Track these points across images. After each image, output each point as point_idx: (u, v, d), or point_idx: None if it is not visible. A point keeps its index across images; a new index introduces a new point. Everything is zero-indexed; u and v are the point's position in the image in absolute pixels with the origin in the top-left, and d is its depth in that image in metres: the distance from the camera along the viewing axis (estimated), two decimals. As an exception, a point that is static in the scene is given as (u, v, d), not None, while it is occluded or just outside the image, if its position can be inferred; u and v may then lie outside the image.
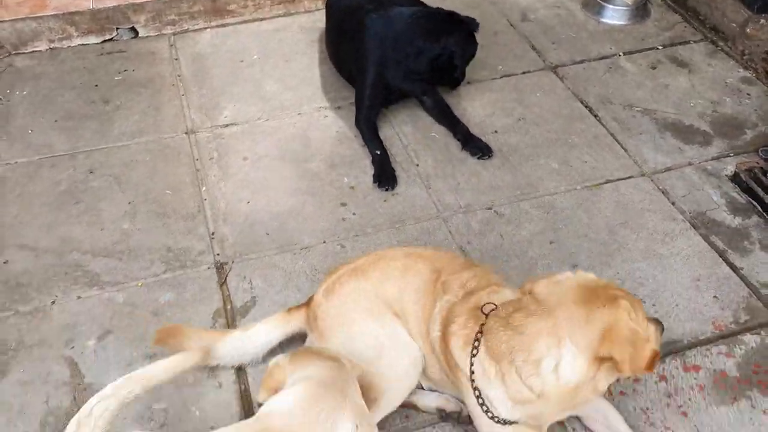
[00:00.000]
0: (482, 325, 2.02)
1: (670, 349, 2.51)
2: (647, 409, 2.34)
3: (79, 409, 2.28)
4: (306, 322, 2.38)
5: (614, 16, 4.26)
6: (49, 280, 2.79)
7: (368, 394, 2.16)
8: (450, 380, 2.20)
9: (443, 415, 2.30)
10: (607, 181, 3.20)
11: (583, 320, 1.84)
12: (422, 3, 3.64)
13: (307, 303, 2.41)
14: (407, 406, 2.32)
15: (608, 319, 1.84)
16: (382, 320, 2.24)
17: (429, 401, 2.32)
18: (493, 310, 2.02)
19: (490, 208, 3.07)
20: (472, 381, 2.02)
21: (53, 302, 2.71)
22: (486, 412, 2.01)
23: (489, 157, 3.28)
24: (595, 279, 2.00)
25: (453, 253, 2.51)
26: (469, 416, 2.21)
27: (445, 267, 2.27)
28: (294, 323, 2.41)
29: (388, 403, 2.19)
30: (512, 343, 1.91)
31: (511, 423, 2.01)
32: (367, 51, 3.34)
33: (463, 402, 2.21)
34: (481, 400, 2.02)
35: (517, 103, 3.64)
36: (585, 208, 3.06)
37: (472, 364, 2.01)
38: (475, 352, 2.00)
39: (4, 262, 2.85)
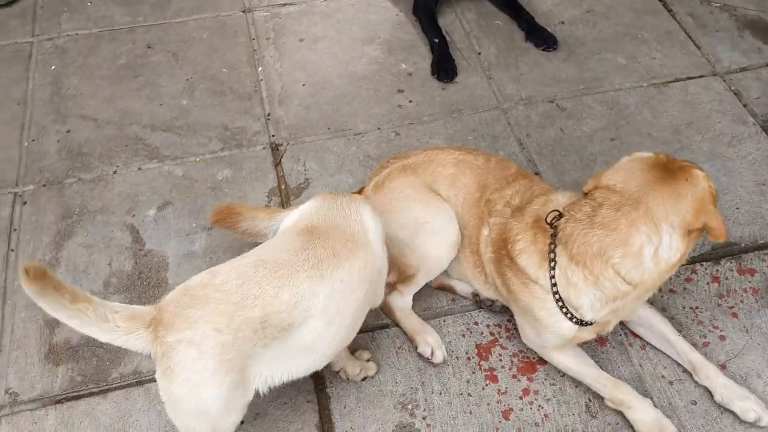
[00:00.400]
0: (552, 236, 1.98)
1: (726, 252, 2.46)
2: (696, 308, 2.32)
3: (140, 273, 2.41)
4: None
5: None
6: (110, 151, 2.85)
7: (405, 271, 2.24)
8: (502, 294, 2.19)
9: (477, 301, 2.35)
10: (676, 80, 3.06)
11: (673, 199, 1.81)
12: None
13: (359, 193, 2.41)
14: (447, 290, 2.38)
15: (694, 190, 1.82)
16: (427, 201, 2.25)
17: (465, 287, 2.37)
18: (556, 218, 1.99)
19: (551, 101, 2.98)
20: (555, 293, 1.99)
21: (114, 172, 2.78)
22: (570, 318, 2.00)
23: (554, 48, 3.15)
24: (653, 155, 1.94)
25: (504, 161, 2.37)
26: (502, 306, 2.27)
27: (490, 182, 2.23)
28: None
29: (423, 277, 2.27)
30: (606, 241, 1.85)
31: (591, 323, 2.02)
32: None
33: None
34: (564, 309, 1.99)
35: (588, -7, 3.46)
36: (650, 106, 2.94)
37: (552, 277, 1.99)
38: (552, 264, 1.98)
39: (67, 131, 2.92)
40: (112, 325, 1.60)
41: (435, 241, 2.23)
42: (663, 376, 2.16)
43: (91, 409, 2.14)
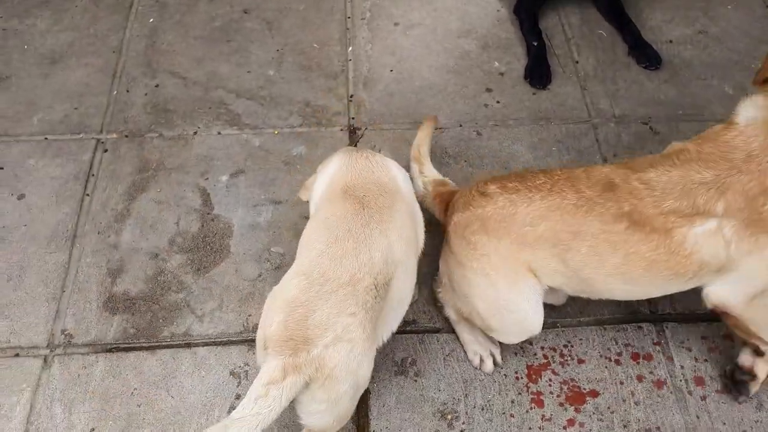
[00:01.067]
0: None
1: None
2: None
3: (204, 236, 2.43)
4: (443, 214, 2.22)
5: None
6: (194, 111, 2.89)
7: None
8: None
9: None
10: (786, 118, 2.85)
11: None
12: None
13: (451, 198, 2.17)
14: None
15: None
16: (513, 282, 1.94)
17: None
18: None
19: (645, 123, 2.83)
20: None
21: (195, 133, 2.82)
22: None
23: (656, 67, 2.99)
24: None
25: (588, 172, 1.94)
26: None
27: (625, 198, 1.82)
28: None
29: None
30: None
31: None
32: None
33: None
34: None
35: (702, 13, 3.26)
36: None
37: None
38: None
39: (156, 86, 2.97)
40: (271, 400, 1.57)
41: (513, 326, 2.02)
42: (720, 433, 2.04)
43: (138, 363, 2.19)
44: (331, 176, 1.97)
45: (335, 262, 1.72)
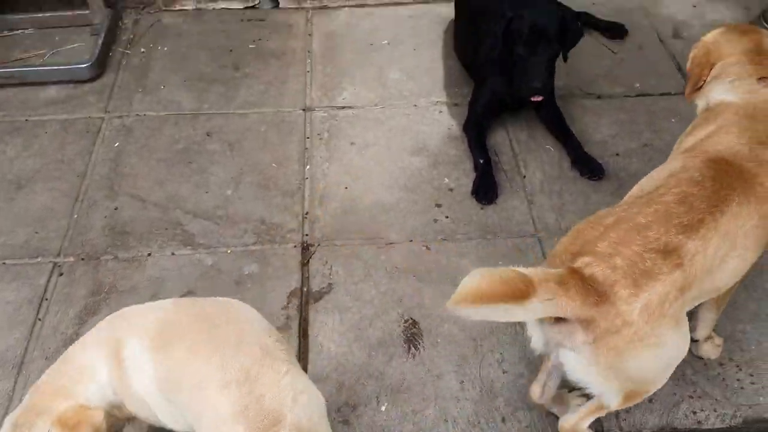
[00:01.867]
0: None
1: None
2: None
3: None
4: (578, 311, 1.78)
5: (782, 43, 3.84)
6: (150, 233, 2.96)
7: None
8: None
9: None
10: (730, 228, 2.90)
11: None
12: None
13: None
14: None
15: None
16: None
17: None
18: None
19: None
20: None
21: (149, 254, 2.87)
22: None
23: (599, 178, 3.08)
24: None
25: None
26: None
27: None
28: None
29: None
30: None
31: None
32: (489, 51, 3.22)
33: None
34: None
35: (646, 127, 3.39)
36: (696, 254, 2.80)
37: None
38: None
39: (115, 209, 3.05)
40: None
41: None
42: None
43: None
44: None
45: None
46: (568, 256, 1.86)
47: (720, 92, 2.26)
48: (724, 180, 1.94)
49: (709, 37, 2.37)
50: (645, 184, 2.12)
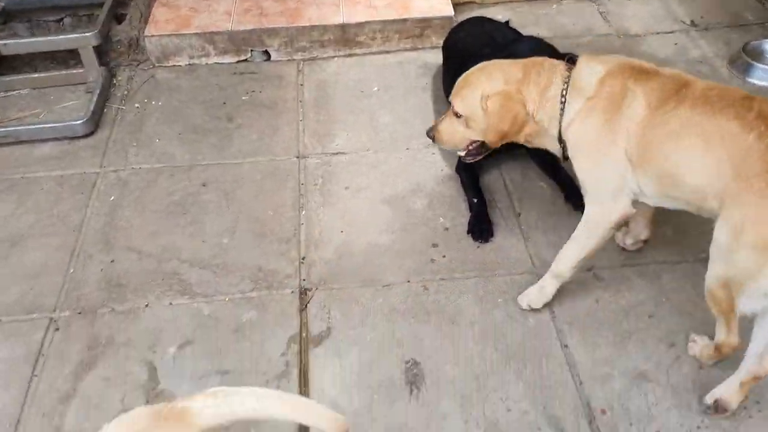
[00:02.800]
0: None
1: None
2: None
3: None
4: None
5: (764, 77, 3.92)
6: (146, 284, 2.94)
7: None
8: None
9: None
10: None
11: None
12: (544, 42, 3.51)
13: None
14: None
15: None
16: None
17: None
18: None
19: (589, 270, 2.88)
20: None
21: (147, 305, 2.85)
22: None
23: (594, 213, 3.09)
24: None
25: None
26: None
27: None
28: None
29: None
30: None
31: None
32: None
33: None
34: None
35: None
36: (694, 283, 2.79)
37: None
38: None
39: (111, 261, 3.04)
40: None
41: None
42: None
43: None
44: None
45: None
46: None
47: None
48: None
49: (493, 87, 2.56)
50: None
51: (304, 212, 3.26)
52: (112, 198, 3.37)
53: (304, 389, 2.52)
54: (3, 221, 3.26)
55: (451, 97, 2.70)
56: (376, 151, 3.58)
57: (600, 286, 2.83)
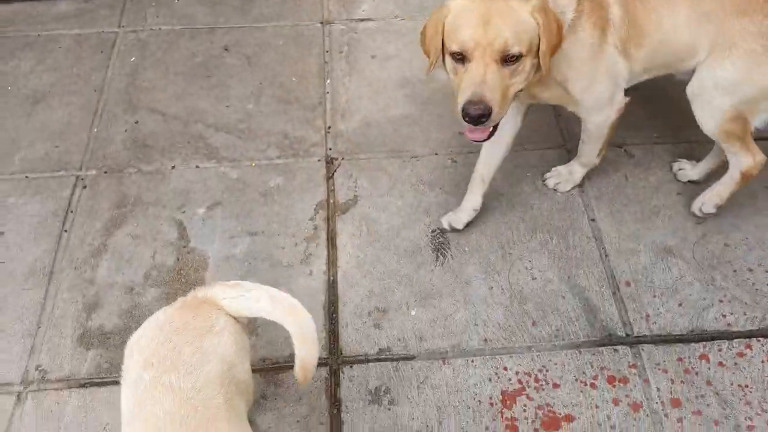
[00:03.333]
0: None
1: (789, 331, 2.28)
2: (746, 386, 2.16)
3: (180, 269, 2.44)
4: None
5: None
6: (172, 146, 2.92)
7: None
8: None
9: None
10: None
11: None
12: None
13: None
14: None
15: None
16: None
17: None
18: None
19: (620, 146, 2.85)
20: None
21: (173, 167, 2.84)
22: None
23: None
24: None
25: None
26: None
27: None
28: None
29: None
30: None
31: None
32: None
33: None
34: None
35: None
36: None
37: None
38: None
39: (135, 122, 3.01)
40: None
41: None
42: (696, 456, 2.01)
43: (111, 398, 2.18)
44: None
45: None
46: None
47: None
48: None
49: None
50: None
51: (329, 81, 3.18)
52: (133, 59, 3.29)
53: (332, 252, 2.56)
54: (24, 78, 3.19)
55: (486, 41, 1.96)
56: (404, 19, 3.45)
57: (630, 162, 2.80)
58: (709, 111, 2.30)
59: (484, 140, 2.15)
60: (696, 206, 2.58)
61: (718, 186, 2.52)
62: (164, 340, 1.61)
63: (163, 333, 1.63)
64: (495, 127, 2.11)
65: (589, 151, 2.58)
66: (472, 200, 2.57)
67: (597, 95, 2.34)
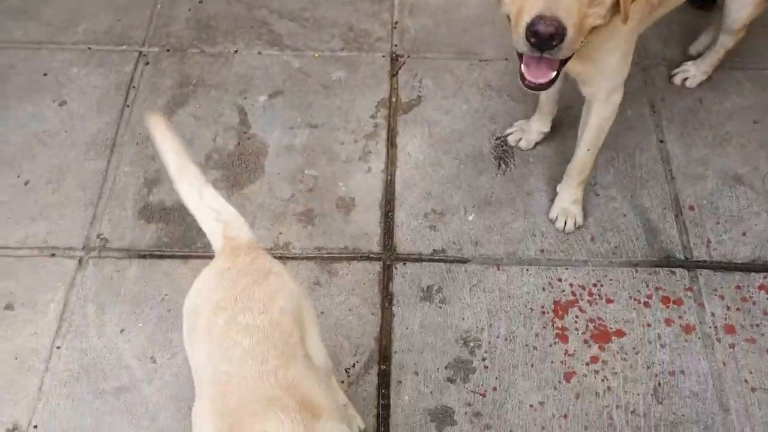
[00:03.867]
0: None
1: None
2: None
3: (240, 154, 2.43)
4: None
5: None
6: (236, 30, 2.86)
7: None
8: None
9: None
10: None
11: None
12: None
13: None
14: None
15: None
16: None
17: None
18: None
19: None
20: None
21: (236, 51, 2.80)
22: None
23: (709, 9, 2.86)
24: None
25: None
26: None
27: None
28: None
29: None
30: None
31: None
32: None
33: None
34: None
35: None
36: (810, 95, 2.65)
37: None
38: None
39: (200, 2, 2.94)
40: None
41: None
42: (746, 381, 2.01)
43: (170, 270, 2.23)
44: None
45: None
46: None
47: None
48: None
49: None
50: None
51: (398, -26, 3.06)
52: (198, -64, 3.18)
53: (391, 152, 2.53)
54: (87, -53, 3.12)
55: None
56: None
57: (707, 85, 2.69)
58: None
59: (544, 87, 1.76)
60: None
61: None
62: (230, 284, 1.57)
63: (226, 278, 1.59)
64: (559, 71, 1.74)
65: (588, 159, 2.23)
66: (541, 122, 2.49)
67: (622, 74, 2.05)
